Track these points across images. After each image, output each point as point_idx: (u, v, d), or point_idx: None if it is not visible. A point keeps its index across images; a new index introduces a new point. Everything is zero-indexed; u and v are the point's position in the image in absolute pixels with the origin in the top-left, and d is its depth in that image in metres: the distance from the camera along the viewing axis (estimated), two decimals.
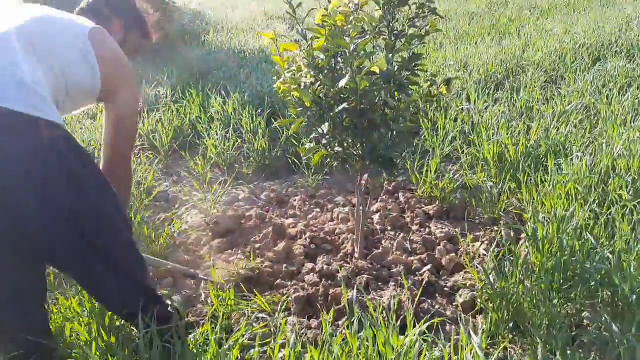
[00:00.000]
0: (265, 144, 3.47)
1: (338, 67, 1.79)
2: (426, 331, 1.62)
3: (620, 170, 2.43)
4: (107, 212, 1.44)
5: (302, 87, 1.58)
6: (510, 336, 1.76)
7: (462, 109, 3.57)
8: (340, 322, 1.90)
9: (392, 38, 1.84)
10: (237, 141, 3.57)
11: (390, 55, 1.81)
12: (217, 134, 3.55)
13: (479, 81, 4.21)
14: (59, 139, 1.31)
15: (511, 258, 1.91)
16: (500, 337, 1.75)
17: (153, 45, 1.98)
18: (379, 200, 2.96)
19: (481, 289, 1.87)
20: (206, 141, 3.55)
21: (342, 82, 1.55)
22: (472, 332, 1.39)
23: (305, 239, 2.51)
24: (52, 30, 1.46)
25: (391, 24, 1.79)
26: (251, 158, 3.49)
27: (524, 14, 7.29)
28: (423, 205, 2.84)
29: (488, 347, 1.74)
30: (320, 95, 1.71)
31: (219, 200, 3.03)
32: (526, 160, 2.71)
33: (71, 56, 1.47)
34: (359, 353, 1.35)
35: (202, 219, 2.86)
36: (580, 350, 1.52)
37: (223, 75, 5.20)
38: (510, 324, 1.75)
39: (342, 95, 1.77)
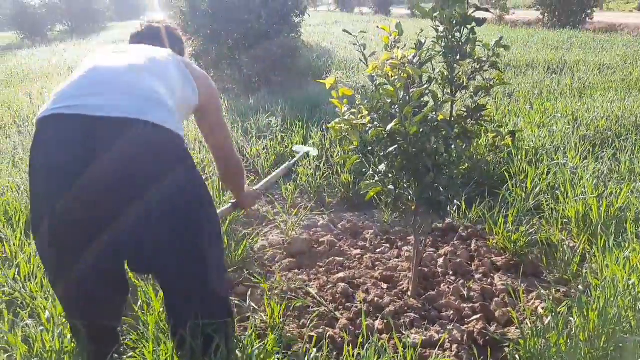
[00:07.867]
0: (351, 177, 3.67)
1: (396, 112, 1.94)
2: None
3: None
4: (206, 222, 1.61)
5: (351, 128, 1.76)
6: None
7: (556, 163, 3.44)
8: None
9: (454, 89, 1.96)
10: (327, 172, 3.83)
11: (447, 105, 1.92)
12: (309, 164, 3.84)
13: (585, 137, 3.99)
14: (182, 147, 1.56)
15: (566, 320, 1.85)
16: None
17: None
18: (450, 245, 2.98)
19: (516, 344, 1.84)
20: (299, 170, 3.85)
21: (389, 126, 1.71)
22: None
23: None
24: (161, 62, 1.72)
25: (451, 76, 1.90)
26: (336, 189, 3.71)
27: None
28: (493, 256, 2.80)
29: None
30: (374, 137, 1.88)
31: (300, 224, 3.28)
32: (611, 224, 2.55)
33: (180, 80, 1.73)
34: None
35: (281, 238, 3.13)
36: None
37: (330, 110, 5.54)
38: None
39: (397, 139, 1.92)
